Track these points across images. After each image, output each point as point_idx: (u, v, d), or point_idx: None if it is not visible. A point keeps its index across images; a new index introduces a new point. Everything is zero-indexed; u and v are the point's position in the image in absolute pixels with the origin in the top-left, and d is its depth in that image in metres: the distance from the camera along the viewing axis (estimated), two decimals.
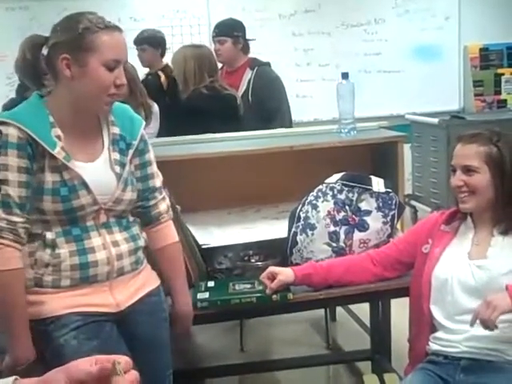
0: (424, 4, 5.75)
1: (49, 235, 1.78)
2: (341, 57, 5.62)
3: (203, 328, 3.07)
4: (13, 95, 3.43)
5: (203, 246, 2.41)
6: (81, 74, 1.75)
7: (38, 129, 1.74)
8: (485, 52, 5.88)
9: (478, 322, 1.84)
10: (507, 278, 1.94)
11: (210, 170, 2.71)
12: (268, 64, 4.00)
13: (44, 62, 1.83)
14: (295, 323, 3.75)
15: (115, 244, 1.85)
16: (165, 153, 2.61)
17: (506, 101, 5.90)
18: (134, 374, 0.97)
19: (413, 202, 4.83)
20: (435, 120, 4.58)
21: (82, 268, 1.80)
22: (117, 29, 1.79)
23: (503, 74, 5.92)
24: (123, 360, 0.96)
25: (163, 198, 2.03)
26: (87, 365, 0.98)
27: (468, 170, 2.04)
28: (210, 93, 3.51)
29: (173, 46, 5.20)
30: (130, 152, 1.90)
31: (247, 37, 3.96)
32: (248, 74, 3.86)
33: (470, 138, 2.06)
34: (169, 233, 2.04)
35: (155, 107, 4.02)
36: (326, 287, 2.27)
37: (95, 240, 1.82)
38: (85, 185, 1.78)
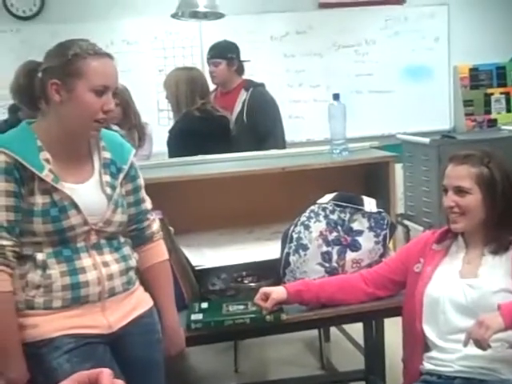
0: (414, 25, 5.79)
1: (39, 256, 1.78)
2: (332, 78, 5.65)
3: (197, 350, 3.06)
4: (4, 117, 3.44)
5: (196, 268, 2.41)
6: (69, 99, 1.77)
7: (26, 153, 1.76)
8: (474, 72, 5.92)
9: (471, 341, 1.84)
10: (498, 296, 1.95)
11: (203, 191, 2.72)
12: (263, 85, 4.02)
13: (38, 87, 1.85)
14: (289, 344, 3.74)
15: (105, 264, 1.86)
16: (157, 175, 2.62)
17: (496, 120, 5.94)
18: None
19: (405, 222, 4.84)
20: (426, 140, 4.61)
21: (74, 288, 1.80)
22: (106, 55, 1.82)
23: (493, 94, 5.96)
24: (105, 373, 0.94)
25: (154, 219, 2.07)
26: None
27: (459, 191, 2.05)
28: (202, 115, 3.53)
29: (165, 67, 5.23)
30: (121, 176, 1.93)
31: (241, 58, 4.00)
32: (243, 95, 3.88)
33: (462, 158, 2.08)
34: (160, 251, 2.08)
35: (149, 129, 4.04)
36: (319, 306, 2.27)
37: (85, 261, 1.83)
38: (74, 205, 1.79)
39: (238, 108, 3.84)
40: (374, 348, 3.00)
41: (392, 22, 5.79)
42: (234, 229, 2.82)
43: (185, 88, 3.55)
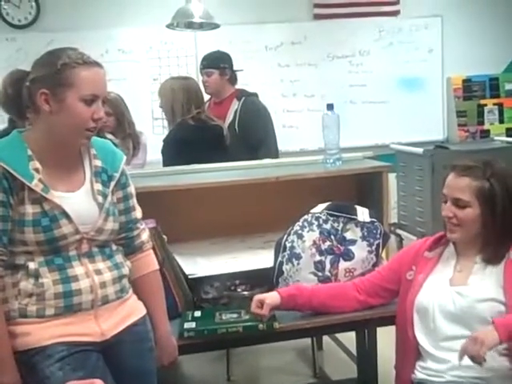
0: (407, 37, 5.85)
1: (31, 265, 1.79)
2: (326, 88, 5.69)
3: (190, 358, 3.06)
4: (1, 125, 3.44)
5: (189, 276, 2.42)
6: (59, 109, 1.77)
7: (16, 163, 1.76)
8: (468, 83, 5.97)
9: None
10: (486, 305, 1.97)
11: (196, 200, 2.73)
12: (255, 95, 4.05)
13: (26, 96, 1.84)
14: (282, 352, 3.74)
15: (98, 272, 1.86)
16: (151, 183, 2.63)
17: (488, 131, 5.98)
18: None
19: (398, 231, 4.85)
20: (420, 150, 4.63)
21: (66, 296, 1.80)
22: (96, 64, 1.82)
23: (486, 105, 6.01)
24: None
25: (144, 229, 2.07)
26: None
27: (459, 203, 2.05)
28: (196, 124, 3.55)
29: (160, 77, 5.27)
30: (112, 183, 1.93)
31: (235, 68, 4.02)
32: (235, 105, 3.91)
33: (464, 170, 2.06)
34: (151, 260, 2.08)
35: (143, 138, 4.06)
36: (311, 314, 2.28)
37: (78, 269, 1.83)
38: (65, 214, 1.79)
39: (229, 117, 3.87)
40: (366, 357, 3.00)
41: (386, 33, 5.84)
42: (227, 238, 2.83)
43: (181, 97, 3.56)
